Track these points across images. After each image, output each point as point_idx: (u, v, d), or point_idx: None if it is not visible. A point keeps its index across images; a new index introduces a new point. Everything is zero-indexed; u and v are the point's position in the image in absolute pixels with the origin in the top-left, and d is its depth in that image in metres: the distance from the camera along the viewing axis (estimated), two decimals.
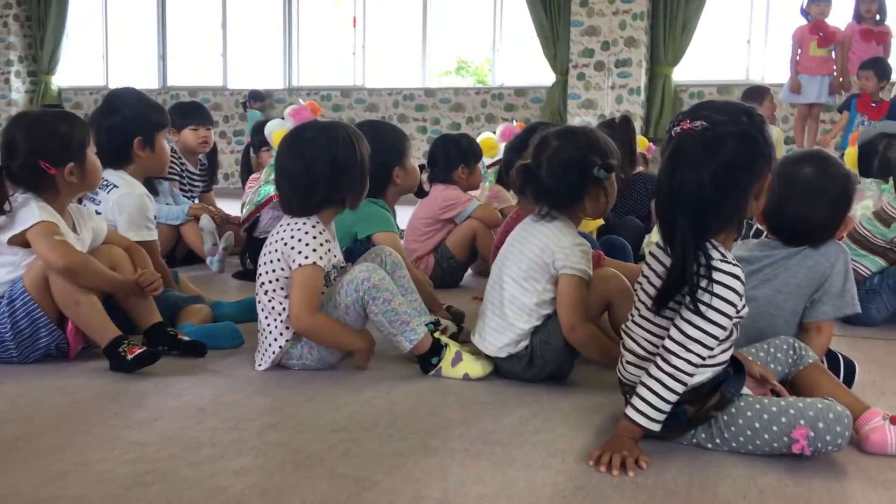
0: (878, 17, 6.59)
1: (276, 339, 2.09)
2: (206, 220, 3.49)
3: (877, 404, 1.69)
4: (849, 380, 1.98)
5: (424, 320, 2.20)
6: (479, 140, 4.63)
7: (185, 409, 1.80)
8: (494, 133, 4.90)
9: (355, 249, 2.63)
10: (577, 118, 8.08)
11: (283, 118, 3.50)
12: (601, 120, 8.35)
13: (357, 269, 2.08)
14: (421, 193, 3.47)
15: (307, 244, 2.04)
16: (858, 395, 1.76)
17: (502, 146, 4.32)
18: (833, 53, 6.67)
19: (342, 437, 1.64)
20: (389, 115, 9.62)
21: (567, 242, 1.96)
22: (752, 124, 1.48)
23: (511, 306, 2.00)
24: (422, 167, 3.19)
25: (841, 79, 6.69)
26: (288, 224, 2.10)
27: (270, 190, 3.31)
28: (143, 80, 10.47)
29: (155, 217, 2.80)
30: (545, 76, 9.05)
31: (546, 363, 1.99)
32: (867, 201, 3.31)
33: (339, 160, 2.09)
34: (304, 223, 2.08)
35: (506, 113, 9.18)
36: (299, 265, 2.03)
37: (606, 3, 8.31)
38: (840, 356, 2.02)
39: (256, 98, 9.70)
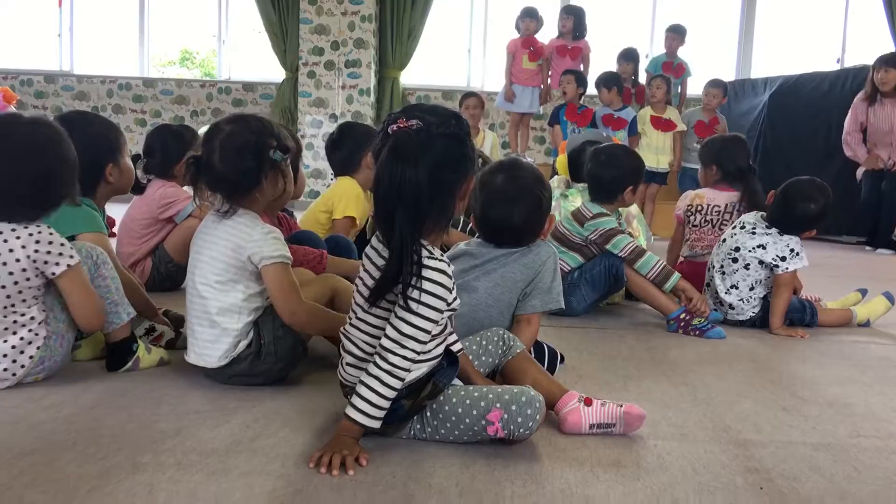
0: (576, 33, 7.29)
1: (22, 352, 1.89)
2: None
3: (575, 387, 1.86)
4: (552, 366, 2.16)
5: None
6: None
7: None
8: None
9: None
10: (308, 116, 8.05)
11: None
12: (333, 120, 8.40)
13: (81, 243, 2.04)
14: (138, 189, 3.20)
15: (61, 244, 1.90)
16: (560, 379, 1.92)
17: None
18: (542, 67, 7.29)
19: (32, 460, 1.46)
20: (103, 104, 8.89)
21: (256, 234, 1.88)
22: (459, 127, 1.56)
23: (219, 311, 1.91)
24: (137, 157, 2.94)
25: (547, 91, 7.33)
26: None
27: None
28: None
29: None
30: (275, 72, 8.91)
31: (279, 358, 1.95)
32: (577, 202, 3.63)
33: (40, 167, 1.88)
34: (39, 230, 1.88)
35: (234, 108, 8.91)
36: (68, 266, 1.89)
37: (335, 3, 8.37)
38: (545, 345, 2.20)
39: None
